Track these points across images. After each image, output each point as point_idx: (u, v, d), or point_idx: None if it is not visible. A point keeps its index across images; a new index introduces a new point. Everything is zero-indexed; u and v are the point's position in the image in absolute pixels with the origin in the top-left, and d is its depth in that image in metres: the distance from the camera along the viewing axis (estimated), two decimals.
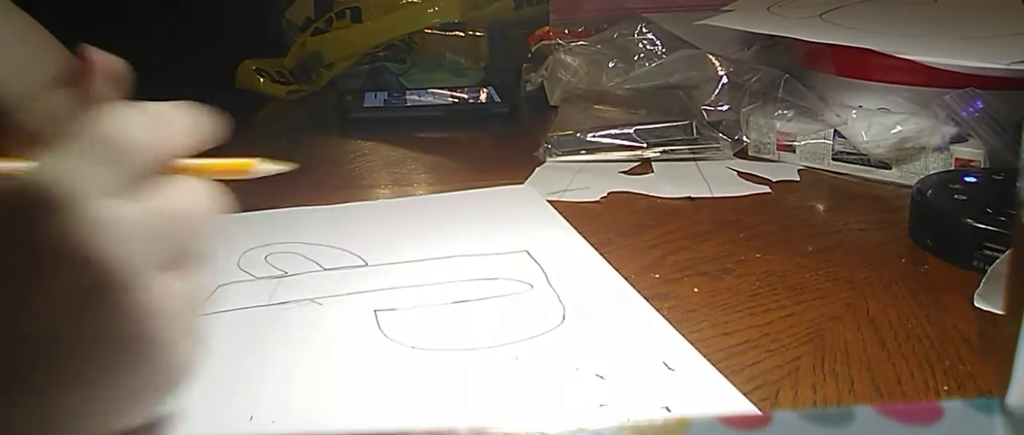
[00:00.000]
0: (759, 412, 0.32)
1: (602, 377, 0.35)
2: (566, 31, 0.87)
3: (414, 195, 0.64)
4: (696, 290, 0.45)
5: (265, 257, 0.49)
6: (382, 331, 0.39)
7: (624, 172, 0.66)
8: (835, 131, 0.64)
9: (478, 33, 0.99)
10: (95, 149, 0.28)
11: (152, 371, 0.29)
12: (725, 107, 0.70)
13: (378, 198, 0.62)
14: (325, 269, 0.47)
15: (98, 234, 0.27)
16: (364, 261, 0.48)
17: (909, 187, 0.55)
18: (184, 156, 0.31)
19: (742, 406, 0.33)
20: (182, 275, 0.29)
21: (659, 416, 0.32)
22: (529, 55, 0.95)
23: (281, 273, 0.47)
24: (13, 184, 0.27)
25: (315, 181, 0.66)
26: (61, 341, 0.27)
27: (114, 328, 0.27)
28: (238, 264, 0.48)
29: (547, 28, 0.90)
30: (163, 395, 0.30)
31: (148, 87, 0.64)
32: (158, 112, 0.31)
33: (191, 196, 0.30)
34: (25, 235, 0.26)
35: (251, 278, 0.46)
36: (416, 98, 0.91)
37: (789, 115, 0.67)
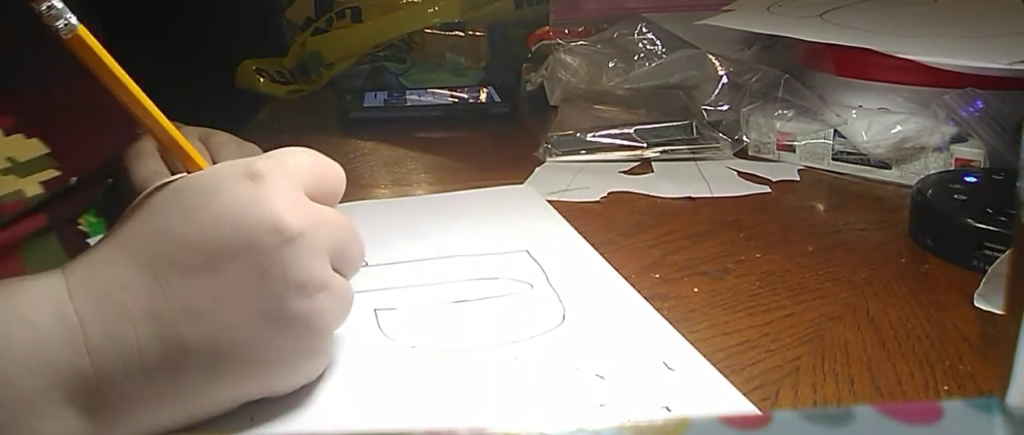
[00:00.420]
0: (759, 412, 0.32)
1: (602, 377, 0.35)
2: (566, 31, 0.87)
3: (414, 195, 0.64)
4: (696, 290, 0.45)
5: None
6: (382, 331, 0.39)
7: (624, 172, 0.66)
8: (835, 131, 0.64)
9: (478, 33, 0.99)
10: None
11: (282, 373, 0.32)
12: (725, 107, 0.70)
13: (378, 198, 0.62)
14: None
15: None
16: (364, 261, 0.48)
17: (909, 187, 0.55)
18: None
19: (742, 406, 0.33)
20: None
21: (659, 416, 0.32)
22: (529, 55, 0.95)
23: None
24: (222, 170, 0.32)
25: None
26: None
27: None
28: None
29: (547, 28, 0.90)
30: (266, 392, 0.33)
31: (148, 87, 0.64)
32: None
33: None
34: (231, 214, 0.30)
35: None
36: (416, 98, 0.91)
37: (789, 115, 0.67)
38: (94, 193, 0.55)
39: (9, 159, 0.47)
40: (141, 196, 0.32)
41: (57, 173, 0.49)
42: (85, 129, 0.44)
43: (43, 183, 0.48)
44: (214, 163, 0.55)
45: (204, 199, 0.31)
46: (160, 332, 0.29)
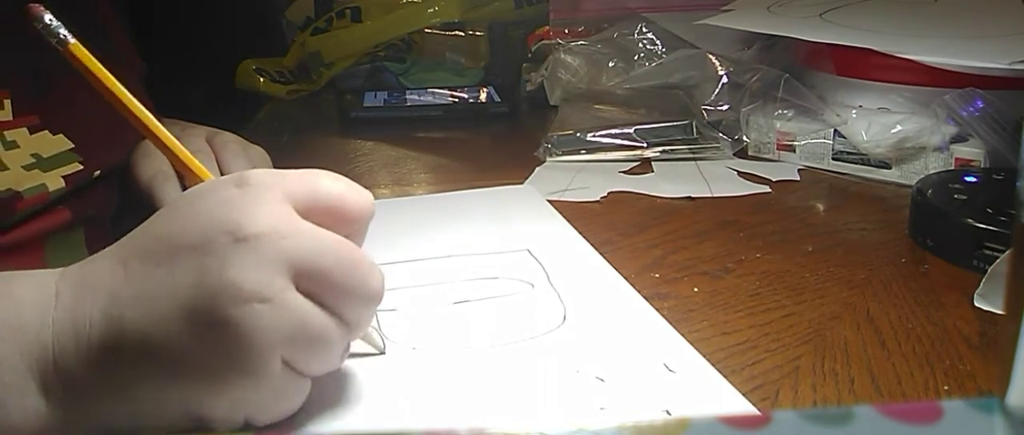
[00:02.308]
0: (759, 412, 0.32)
1: (602, 380, 0.35)
2: (566, 31, 0.87)
3: (414, 195, 0.64)
4: (696, 290, 0.45)
5: None
6: (383, 332, 0.39)
7: (624, 172, 0.66)
8: (835, 131, 0.64)
9: (478, 33, 0.99)
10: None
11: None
12: (725, 107, 0.70)
13: (378, 198, 0.62)
14: None
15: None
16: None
17: (909, 187, 0.55)
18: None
19: (742, 408, 0.33)
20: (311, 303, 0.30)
21: (659, 417, 0.32)
22: (529, 55, 0.95)
23: None
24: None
25: None
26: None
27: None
28: None
29: (547, 28, 0.90)
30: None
31: (149, 87, 0.64)
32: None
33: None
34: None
35: None
36: (416, 98, 0.91)
37: (789, 115, 0.67)
38: (117, 191, 0.55)
39: (34, 155, 0.47)
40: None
41: (80, 167, 0.49)
42: (108, 124, 0.45)
43: (66, 177, 0.49)
44: (219, 163, 0.55)
45: (191, 200, 0.32)
46: (109, 309, 0.29)
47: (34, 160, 0.48)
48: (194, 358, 0.29)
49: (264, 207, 0.29)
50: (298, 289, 0.29)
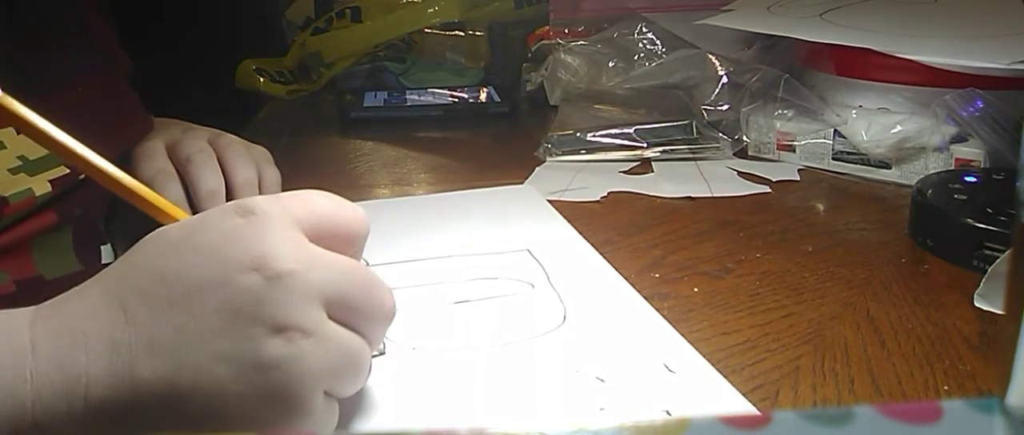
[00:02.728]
0: (759, 412, 0.32)
1: (602, 380, 0.35)
2: (566, 31, 0.87)
3: (414, 195, 0.64)
4: (696, 290, 0.45)
5: None
6: None
7: (624, 172, 0.66)
8: (835, 131, 0.64)
9: (478, 33, 0.99)
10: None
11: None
12: (725, 107, 0.70)
13: (378, 198, 0.62)
14: None
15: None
16: (365, 261, 0.48)
17: (909, 187, 0.55)
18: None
19: (742, 408, 0.33)
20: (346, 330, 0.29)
21: (659, 416, 0.32)
22: (529, 55, 0.95)
23: None
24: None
25: (315, 181, 0.66)
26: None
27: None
28: None
29: (547, 28, 0.90)
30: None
31: (149, 87, 0.64)
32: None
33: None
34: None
35: None
36: (416, 98, 0.91)
37: (789, 115, 0.67)
38: (107, 192, 0.55)
39: (20, 158, 0.47)
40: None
41: (66, 171, 0.49)
42: (95, 127, 0.44)
43: (52, 181, 0.48)
44: (223, 164, 0.55)
45: (188, 233, 0.29)
46: (113, 363, 0.27)
47: (20, 163, 0.47)
48: (232, 403, 0.27)
49: (282, 239, 0.28)
50: (331, 318, 0.29)
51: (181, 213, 0.32)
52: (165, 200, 0.32)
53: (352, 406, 0.33)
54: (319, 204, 0.31)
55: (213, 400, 0.27)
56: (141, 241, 0.30)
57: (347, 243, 0.31)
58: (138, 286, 0.28)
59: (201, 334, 0.27)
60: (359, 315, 0.30)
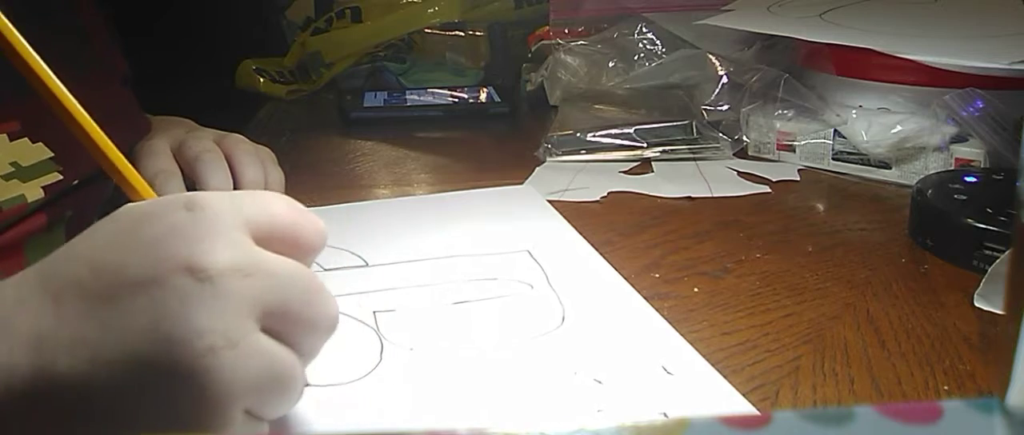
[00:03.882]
0: (759, 412, 0.32)
1: (600, 382, 0.35)
2: (566, 31, 0.87)
3: (414, 195, 0.64)
4: (696, 290, 0.45)
5: None
6: (381, 333, 0.39)
7: (624, 172, 0.66)
8: (835, 131, 0.64)
9: (478, 33, 0.99)
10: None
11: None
12: (725, 107, 0.70)
13: (378, 198, 0.62)
14: (325, 270, 0.47)
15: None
16: (364, 261, 0.48)
17: (909, 187, 0.55)
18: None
19: (742, 408, 0.33)
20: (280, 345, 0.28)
21: (659, 417, 0.32)
22: (529, 55, 0.95)
23: None
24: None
25: (315, 181, 0.66)
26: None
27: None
28: None
29: (547, 28, 0.90)
30: None
31: (149, 86, 0.64)
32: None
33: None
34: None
35: None
36: (416, 98, 0.91)
37: (789, 115, 0.67)
38: (101, 191, 0.55)
39: (13, 164, 0.47)
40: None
41: (59, 177, 0.49)
42: None
43: (45, 187, 0.48)
44: (230, 163, 0.55)
45: (133, 224, 0.28)
46: (36, 356, 0.26)
47: (13, 169, 0.47)
48: (142, 409, 0.26)
49: (221, 238, 0.27)
50: (262, 329, 0.27)
51: (150, 192, 0.31)
52: (137, 174, 0.31)
53: (348, 406, 0.33)
54: (276, 208, 0.30)
55: (124, 404, 0.26)
56: (96, 225, 0.28)
57: (299, 254, 0.30)
58: (75, 277, 0.27)
59: (123, 333, 0.26)
60: (297, 326, 0.28)
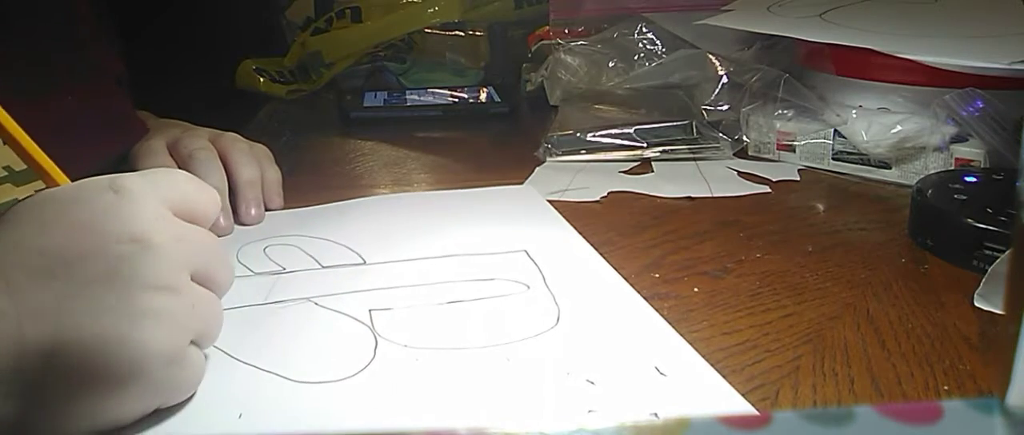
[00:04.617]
0: (758, 412, 0.32)
1: (593, 382, 0.34)
2: (566, 31, 0.87)
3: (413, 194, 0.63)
4: (696, 290, 0.44)
5: (264, 250, 0.49)
6: (376, 330, 0.39)
7: (624, 172, 0.66)
8: (835, 131, 0.64)
9: (478, 33, 0.99)
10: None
11: (153, 380, 0.31)
12: (725, 107, 0.70)
13: (378, 197, 0.62)
14: (323, 267, 0.47)
15: (152, 230, 0.31)
16: (362, 259, 0.48)
17: (909, 187, 0.55)
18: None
19: (741, 408, 0.33)
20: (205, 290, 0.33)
21: (659, 417, 0.32)
22: (529, 55, 0.95)
23: (279, 269, 0.47)
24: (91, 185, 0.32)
25: (315, 181, 0.66)
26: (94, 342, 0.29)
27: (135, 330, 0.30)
28: (237, 258, 0.48)
29: (547, 28, 0.90)
30: (151, 404, 0.32)
31: (149, 86, 0.64)
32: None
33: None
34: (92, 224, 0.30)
35: (250, 273, 0.46)
36: (416, 98, 0.91)
37: (789, 115, 0.67)
38: None
39: (6, 168, 0.46)
40: (3, 212, 0.32)
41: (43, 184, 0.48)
42: (82, 137, 0.44)
43: (39, 191, 0.48)
44: (225, 162, 0.55)
45: (63, 209, 0.31)
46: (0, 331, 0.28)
47: (6, 173, 0.47)
48: (117, 356, 0.30)
49: (154, 214, 0.32)
50: (191, 276, 0.33)
51: (63, 178, 0.34)
52: (50, 161, 0.34)
53: (344, 405, 0.33)
54: (182, 184, 0.35)
55: (97, 352, 0.29)
56: (11, 214, 0.32)
57: (203, 220, 0.35)
58: (17, 260, 0.30)
59: (82, 297, 0.29)
60: (212, 282, 0.34)
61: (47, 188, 0.33)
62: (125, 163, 0.56)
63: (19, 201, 0.32)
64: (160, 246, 0.31)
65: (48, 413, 0.29)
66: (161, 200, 0.33)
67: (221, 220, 0.53)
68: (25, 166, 0.47)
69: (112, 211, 0.31)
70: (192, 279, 0.33)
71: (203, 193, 0.36)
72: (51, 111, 0.49)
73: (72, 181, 0.34)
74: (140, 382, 0.30)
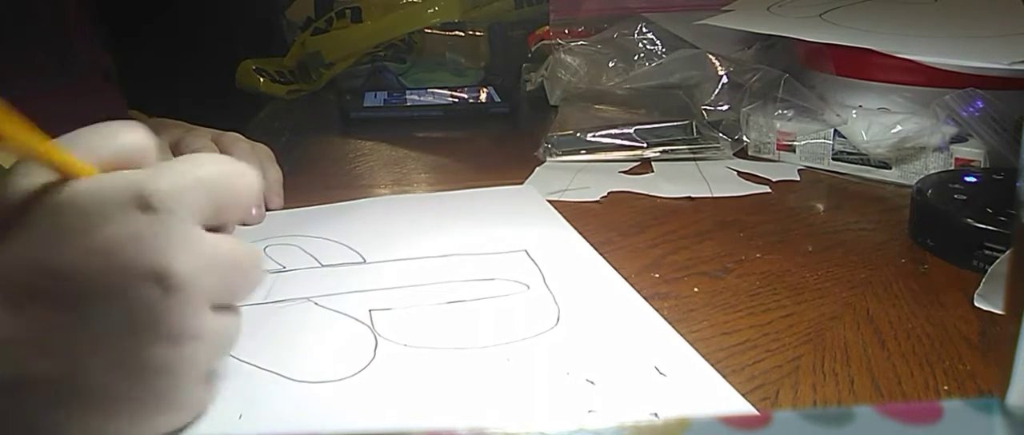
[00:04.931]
0: (758, 412, 0.32)
1: (592, 382, 0.34)
2: (566, 31, 0.87)
3: (414, 194, 0.63)
4: (696, 290, 0.44)
5: (264, 249, 0.49)
6: (376, 330, 0.39)
7: (624, 172, 0.66)
8: (835, 131, 0.64)
9: (478, 33, 0.99)
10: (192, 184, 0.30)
11: (173, 402, 0.30)
12: (725, 107, 0.70)
13: (378, 197, 0.62)
14: (323, 266, 0.47)
15: (177, 252, 0.28)
16: (363, 258, 0.48)
17: (909, 187, 0.55)
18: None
19: (740, 408, 0.33)
20: (226, 315, 0.31)
21: (660, 417, 0.32)
22: (529, 55, 0.95)
23: (279, 268, 0.47)
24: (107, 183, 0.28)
25: (315, 181, 0.66)
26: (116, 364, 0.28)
27: (155, 354, 0.28)
28: None
29: (547, 28, 0.90)
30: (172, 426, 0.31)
31: (149, 87, 0.64)
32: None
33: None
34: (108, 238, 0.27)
35: None
36: (416, 98, 0.91)
37: (789, 115, 0.67)
38: None
39: None
40: (22, 203, 0.29)
41: None
42: (72, 130, 0.44)
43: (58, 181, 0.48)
44: None
45: (85, 226, 0.27)
46: (6, 365, 0.27)
47: None
48: (120, 401, 0.28)
49: (181, 242, 0.28)
50: (214, 306, 0.30)
51: (88, 169, 0.30)
52: (67, 155, 0.29)
53: (343, 403, 0.33)
54: (213, 176, 0.30)
55: (104, 401, 0.28)
56: (33, 214, 0.28)
57: (242, 209, 0.32)
58: (25, 282, 0.27)
59: (95, 340, 0.27)
60: (236, 299, 0.32)
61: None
62: None
63: (34, 189, 0.29)
64: (183, 285, 0.28)
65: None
66: (194, 214, 0.29)
67: (253, 210, 0.51)
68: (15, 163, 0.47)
69: (136, 237, 0.27)
70: (213, 304, 0.30)
71: (243, 178, 0.32)
72: (37, 105, 0.48)
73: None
74: (135, 428, 0.29)
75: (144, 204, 0.28)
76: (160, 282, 0.27)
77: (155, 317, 0.28)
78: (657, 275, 0.46)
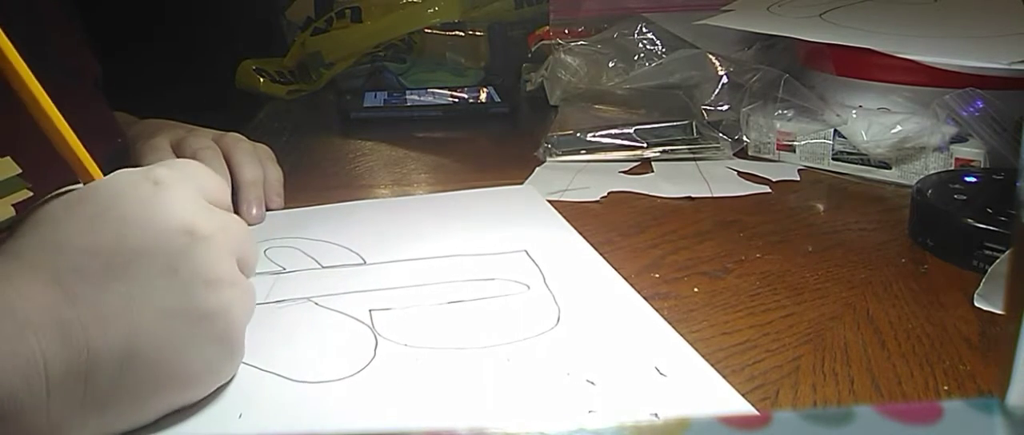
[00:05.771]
0: (758, 412, 0.32)
1: (593, 383, 0.34)
2: (566, 31, 0.87)
3: (414, 195, 0.63)
4: (696, 290, 0.44)
5: (264, 251, 0.49)
6: (376, 330, 0.39)
7: (624, 172, 0.66)
8: (835, 131, 0.64)
9: (478, 33, 0.99)
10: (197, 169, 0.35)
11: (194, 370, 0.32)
12: (725, 107, 0.70)
13: (379, 197, 0.62)
14: (323, 267, 0.47)
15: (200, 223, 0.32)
16: (363, 259, 0.48)
17: (909, 187, 0.55)
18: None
19: (741, 408, 0.33)
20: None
21: (659, 417, 0.32)
22: (529, 55, 0.95)
23: (279, 269, 0.47)
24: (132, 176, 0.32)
25: (315, 181, 0.66)
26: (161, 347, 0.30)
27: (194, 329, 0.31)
28: None
29: (547, 28, 0.90)
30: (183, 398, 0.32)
31: (149, 88, 0.64)
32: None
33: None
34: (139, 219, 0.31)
35: None
36: (416, 98, 0.91)
37: (789, 115, 0.67)
38: None
39: None
40: (31, 209, 0.31)
41: (29, 194, 0.48)
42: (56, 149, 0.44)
43: (15, 205, 0.47)
44: (229, 162, 0.55)
45: (105, 207, 0.31)
46: (67, 341, 0.28)
47: None
48: (183, 352, 0.31)
49: (195, 203, 0.33)
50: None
51: (97, 172, 0.33)
52: (86, 153, 0.33)
53: (341, 403, 0.33)
54: (202, 171, 0.35)
55: (169, 352, 0.30)
56: (43, 215, 0.31)
57: (224, 205, 0.36)
58: (70, 263, 0.29)
59: (145, 297, 0.30)
60: (249, 266, 0.35)
61: (64, 188, 0.32)
62: (109, 167, 0.55)
63: (37, 203, 0.31)
64: (210, 237, 0.32)
65: (117, 416, 0.30)
66: (197, 189, 0.33)
67: (254, 210, 0.54)
68: (13, 174, 0.47)
69: (156, 203, 0.31)
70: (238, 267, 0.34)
71: (219, 180, 0.36)
72: (21, 121, 0.48)
73: (55, 189, 0.32)
74: (209, 379, 0.32)
75: (152, 178, 0.32)
76: (189, 234, 0.31)
77: (194, 264, 0.31)
78: (657, 275, 0.46)
